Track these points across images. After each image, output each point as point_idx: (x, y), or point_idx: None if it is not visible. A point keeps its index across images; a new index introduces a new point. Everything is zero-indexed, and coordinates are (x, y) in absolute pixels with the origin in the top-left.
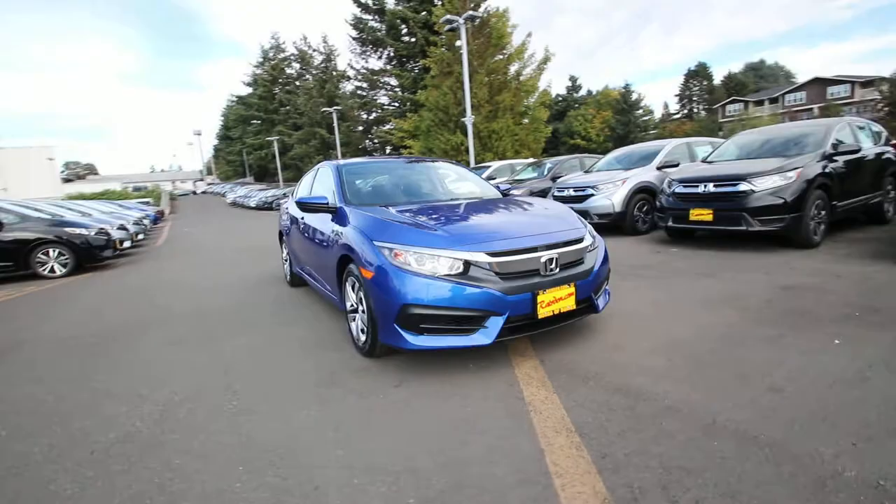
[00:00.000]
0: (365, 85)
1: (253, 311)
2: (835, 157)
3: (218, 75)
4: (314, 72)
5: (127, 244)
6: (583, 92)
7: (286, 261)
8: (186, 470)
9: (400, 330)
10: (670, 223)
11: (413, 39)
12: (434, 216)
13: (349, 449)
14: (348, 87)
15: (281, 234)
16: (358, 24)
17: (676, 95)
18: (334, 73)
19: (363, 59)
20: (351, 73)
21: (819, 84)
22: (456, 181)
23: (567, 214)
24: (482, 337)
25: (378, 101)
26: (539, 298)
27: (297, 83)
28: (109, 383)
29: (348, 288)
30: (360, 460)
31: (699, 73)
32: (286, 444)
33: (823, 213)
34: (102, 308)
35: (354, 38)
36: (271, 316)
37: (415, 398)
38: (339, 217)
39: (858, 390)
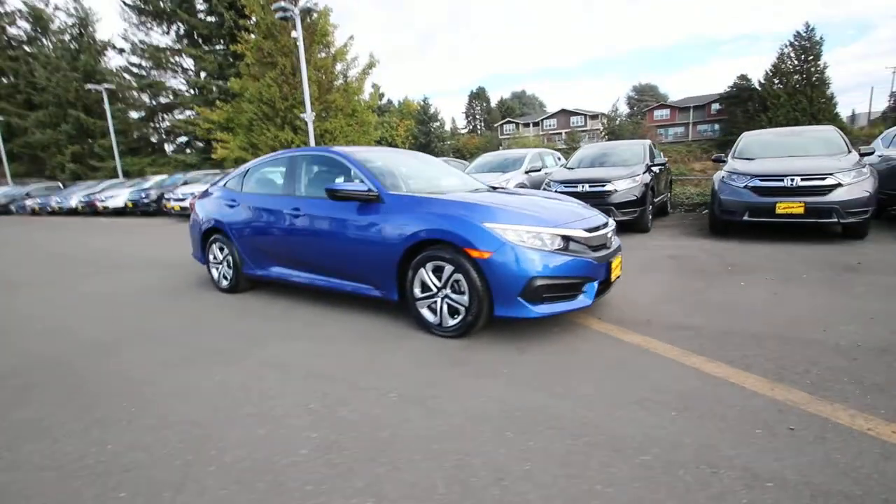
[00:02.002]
0: (147, 63)
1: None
2: (651, 168)
3: None
4: (61, 37)
5: None
6: (384, 101)
7: (223, 262)
8: None
9: (524, 302)
10: None
11: (213, 19)
12: (504, 201)
13: (578, 399)
14: (115, 61)
15: (207, 234)
16: None
17: (463, 112)
18: (93, 43)
19: (142, 31)
20: (126, 45)
21: (565, 114)
22: (450, 172)
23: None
24: (585, 299)
25: (167, 84)
26: (612, 265)
27: (28, 48)
28: None
29: (426, 274)
30: (612, 400)
31: (479, 96)
32: (523, 405)
33: (651, 207)
34: None
35: (128, 5)
36: (306, 326)
37: (552, 357)
38: (387, 205)
39: (776, 306)
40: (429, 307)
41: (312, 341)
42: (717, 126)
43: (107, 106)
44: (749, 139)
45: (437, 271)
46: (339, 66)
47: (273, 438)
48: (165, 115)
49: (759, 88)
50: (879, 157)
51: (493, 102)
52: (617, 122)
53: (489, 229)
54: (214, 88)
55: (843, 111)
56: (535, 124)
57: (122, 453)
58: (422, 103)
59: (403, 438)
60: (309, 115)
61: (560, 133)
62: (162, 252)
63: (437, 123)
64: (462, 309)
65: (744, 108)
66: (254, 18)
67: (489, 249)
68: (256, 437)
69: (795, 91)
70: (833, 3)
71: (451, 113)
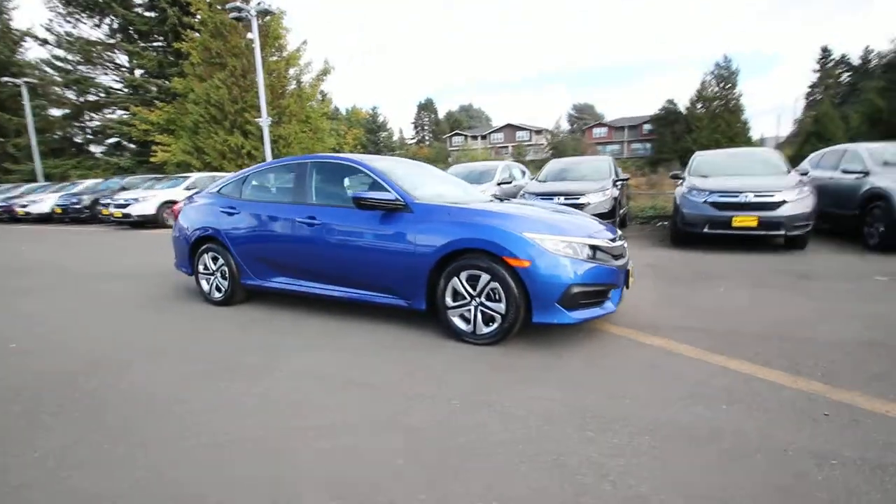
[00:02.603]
0: (74, 58)
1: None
2: (616, 182)
3: None
4: None
5: None
6: (330, 107)
7: (216, 273)
8: None
9: (561, 308)
10: None
11: (153, 14)
12: (529, 212)
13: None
14: (35, 52)
15: (198, 243)
16: None
17: (412, 123)
18: (8, 31)
19: (69, 22)
20: (50, 37)
21: (511, 128)
22: (456, 182)
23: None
24: (610, 305)
25: (98, 80)
26: (630, 273)
27: None
28: None
29: (459, 283)
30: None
31: (427, 107)
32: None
33: (617, 219)
34: None
35: None
36: (324, 337)
37: (589, 361)
38: (415, 215)
39: (759, 309)
40: (461, 316)
41: (339, 351)
42: (648, 145)
43: (26, 101)
44: (701, 158)
45: (472, 280)
46: (291, 71)
47: (348, 451)
48: (94, 114)
49: (685, 112)
50: (810, 178)
51: (442, 114)
52: (559, 137)
53: (528, 239)
54: (154, 88)
55: (755, 135)
56: (483, 137)
57: (189, 479)
58: (371, 112)
59: (488, 443)
60: (265, 120)
61: (507, 146)
62: (118, 262)
63: (387, 133)
64: (498, 316)
65: (671, 129)
66: (199, 16)
67: (528, 258)
68: (328, 450)
69: (715, 115)
70: (747, 36)
71: (400, 123)
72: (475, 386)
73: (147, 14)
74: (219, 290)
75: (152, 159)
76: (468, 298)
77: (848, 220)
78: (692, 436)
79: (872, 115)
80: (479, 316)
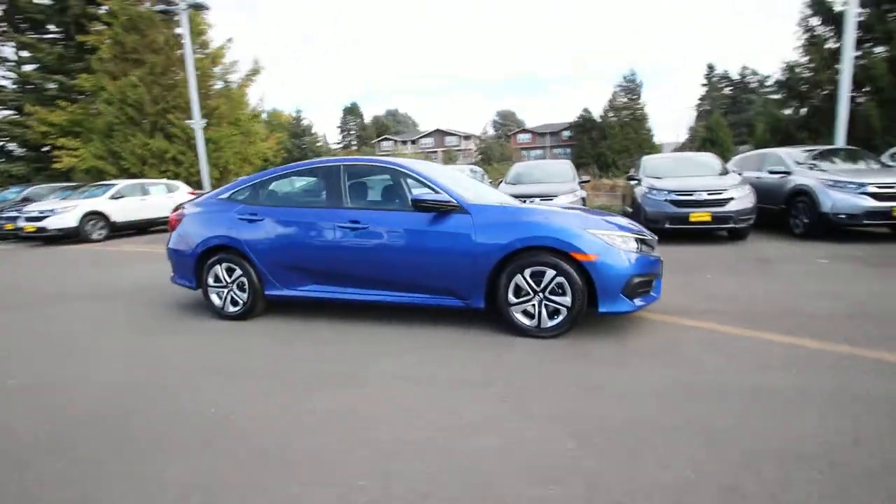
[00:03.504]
0: None
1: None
2: (580, 184)
3: None
4: None
5: None
6: (249, 109)
7: (231, 285)
8: None
9: (624, 297)
10: None
11: (50, 1)
12: (573, 212)
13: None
14: None
15: (207, 254)
16: None
17: (338, 127)
18: None
19: None
20: None
21: (440, 133)
22: (483, 185)
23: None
24: (654, 294)
25: None
26: (661, 263)
27: None
28: None
29: (523, 279)
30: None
31: (353, 112)
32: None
33: None
34: None
35: None
36: (382, 343)
37: (652, 345)
38: (472, 216)
39: (749, 291)
40: (524, 312)
41: (413, 353)
42: (569, 150)
43: None
44: (650, 162)
45: (536, 276)
46: (217, 70)
47: (511, 443)
48: None
49: (599, 120)
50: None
51: (368, 118)
52: (485, 143)
53: (593, 235)
54: (53, 85)
55: (657, 141)
56: (413, 142)
57: (401, 475)
58: (294, 115)
59: (632, 422)
60: (197, 123)
61: (436, 151)
62: (63, 281)
63: (311, 137)
64: (563, 309)
65: (589, 135)
66: (108, 6)
67: (595, 253)
68: (486, 446)
69: (625, 124)
70: (650, 52)
71: (325, 128)
72: (576, 373)
73: (42, 2)
74: (235, 303)
75: (55, 165)
76: (531, 294)
77: (775, 213)
78: (787, 396)
79: (773, 125)
80: (544, 310)
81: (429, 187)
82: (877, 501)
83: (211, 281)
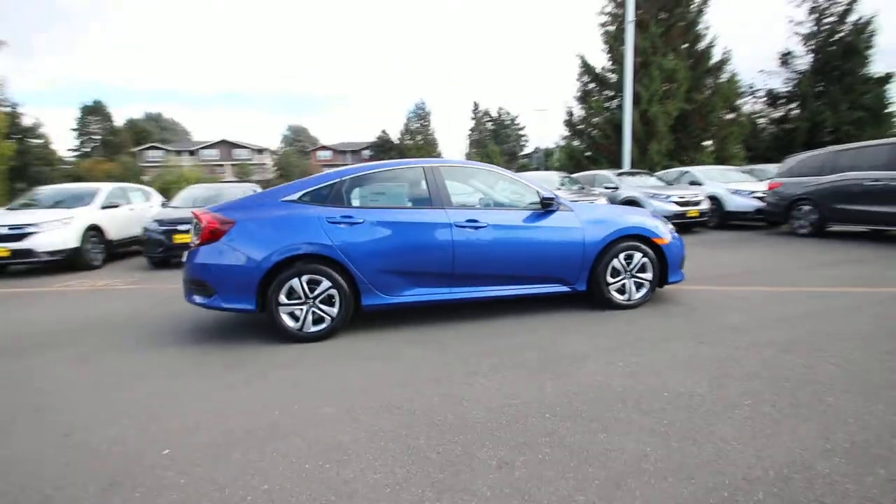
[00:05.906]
0: None
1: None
2: None
3: None
4: None
5: None
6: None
7: (311, 301)
8: None
9: (681, 271)
10: None
11: None
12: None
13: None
14: None
15: (277, 267)
16: None
17: (75, 130)
18: None
19: None
20: None
21: (227, 145)
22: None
23: None
24: (682, 271)
25: None
26: None
27: None
28: None
29: (617, 262)
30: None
31: (97, 111)
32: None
33: None
34: None
35: None
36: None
37: (712, 310)
38: (576, 213)
39: (739, 261)
40: (617, 290)
41: (561, 334)
42: None
43: None
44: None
45: (627, 258)
46: None
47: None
48: None
49: (397, 141)
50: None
51: (120, 121)
52: (284, 158)
53: (663, 224)
54: None
55: None
56: (192, 153)
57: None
58: (10, 111)
59: (764, 378)
60: None
61: (222, 164)
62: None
63: (42, 140)
64: (647, 283)
65: (389, 155)
66: None
67: (667, 237)
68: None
69: (420, 146)
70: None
71: (57, 130)
72: (687, 336)
73: None
74: (320, 320)
75: None
76: (623, 273)
77: None
78: (833, 330)
79: (570, 153)
80: (633, 286)
81: (527, 186)
82: None
83: (282, 299)
